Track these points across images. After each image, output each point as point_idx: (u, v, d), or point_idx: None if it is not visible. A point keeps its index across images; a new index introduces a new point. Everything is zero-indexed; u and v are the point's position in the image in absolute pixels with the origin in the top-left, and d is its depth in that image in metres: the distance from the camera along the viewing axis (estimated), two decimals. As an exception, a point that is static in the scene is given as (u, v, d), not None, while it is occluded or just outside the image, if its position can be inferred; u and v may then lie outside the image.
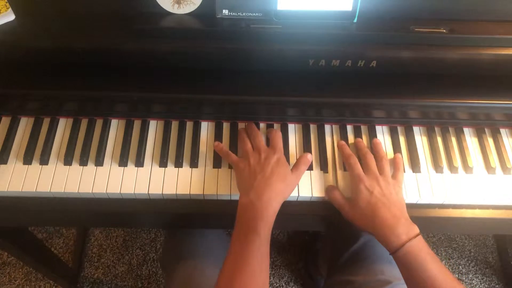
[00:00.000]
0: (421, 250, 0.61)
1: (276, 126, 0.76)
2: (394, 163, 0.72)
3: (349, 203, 0.67)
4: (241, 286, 0.58)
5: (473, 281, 1.42)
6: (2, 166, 0.71)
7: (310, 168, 0.72)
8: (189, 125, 0.76)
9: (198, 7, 0.67)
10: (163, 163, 0.72)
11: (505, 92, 0.70)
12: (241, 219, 0.64)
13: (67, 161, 0.72)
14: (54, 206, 0.70)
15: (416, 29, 0.67)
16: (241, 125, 0.76)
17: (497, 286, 1.42)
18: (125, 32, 0.67)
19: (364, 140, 0.75)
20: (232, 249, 0.62)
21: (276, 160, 0.67)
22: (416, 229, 0.63)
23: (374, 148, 0.73)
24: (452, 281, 0.60)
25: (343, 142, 0.74)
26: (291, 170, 0.68)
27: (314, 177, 0.71)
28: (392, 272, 0.80)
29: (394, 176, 0.70)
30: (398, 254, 0.62)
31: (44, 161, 0.72)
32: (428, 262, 0.60)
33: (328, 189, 0.70)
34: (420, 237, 0.62)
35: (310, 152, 0.73)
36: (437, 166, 0.73)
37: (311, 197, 0.70)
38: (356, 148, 0.74)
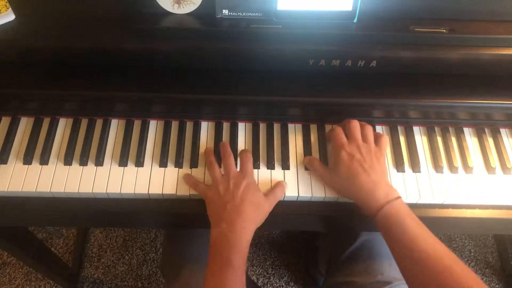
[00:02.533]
0: (401, 211, 0.61)
1: (276, 126, 0.76)
2: (376, 132, 0.72)
3: (329, 171, 0.68)
4: None
5: (473, 281, 1.42)
6: (2, 166, 0.71)
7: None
8: (189, 125, 0.76)
9: (198, 7, 0.67)
10: (163, 163, 0.72)
11: (505, 92, 0.70)
12: (214, 251, 0.62)
13: (67, 161, 0.72)
14: (54, 206, 0.70)
15: (416, 29, 0.67)
16: (241, 125, 0.76)
17: (497, 286, 1.42)
18: (125, 32, 0.67)
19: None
20: (207, 283, 0.61)
21: (245, 186, 0.65)
22: (395, 193, 0.63)
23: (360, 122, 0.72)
24: (432, 241, 0.59)
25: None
26: (266, 194, 0.67)
27: (314, 177, 0.71)
28: (391, 272, 0.80)
29: (377, 142, 0.69)
30: (377, 217, 0.61)
31: (44, 161, 0.72)
32: (407, 223, 0.60)
33: (308, 160, 0.70)
34: (400, 200, 0.62)
35: (310, 153, 0.73)
36: (437, 166, 0.73)
37: (311, 197, 0.70)
38: (343, 123, 0.73)
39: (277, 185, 0.69)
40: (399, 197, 0.63)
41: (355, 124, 0.70)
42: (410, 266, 0.59)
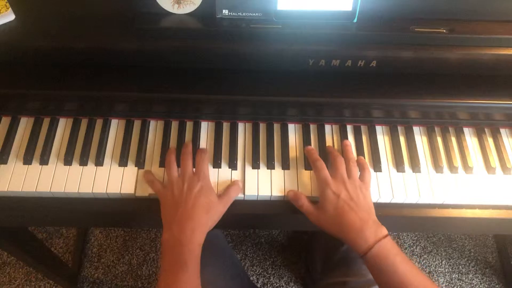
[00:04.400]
0: (390, 251, 0.61)
1: (276, 126, 0.76)
2: (359, 164, 0.70)
3: (316, 208, 0.66)
4: None
5: (473, 281, 1.42)
6: (2, 166, 0.71)
7: (310, 168, 0.72)
8: (189, 125, 0.76)
9: (198, 7, 0.67)
10: (163, 163, 0.72)
11: (505, 92, 0.70)
12: (167, 255, 0.61)
13: (67, 161, 0.72)
14: (54, 206, 0.70)
15: (416, 29, 0.67)
16: (241, 125, 0.76)
17: (497, 286, 1.42)
18: (125, 32, 0.67)
19: (364, 140, 0.75)
20: (159, 284, 0.60)
21: (199, 188, 0.65)
22: (384, 231, 0.62)
23: (343, 150, 0.72)
24: (423, 280, 0.59)
25: (311, 147, 0.73)
26: (219, 196, 0.67)
27: (314, 177, 0.71)
28: None
29: (361, 177, 0.69)
30: (367, 257, 0.61)
31: (44, 161, 0.72)
32: (397, 263, 0.60)
33: (294, 195, 0.68)
34: (388, 238, 0.62)
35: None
36: (437, 166, 0.73)
37: (311, 197, 0.70)
38: (326, 152, 0.73)
39: (232, 185, 0.69)
40: (387, 235, 0.62)
41: (341, 160, 0.69)
42: None
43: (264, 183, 0.70)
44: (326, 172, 0.67)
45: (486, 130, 0.77)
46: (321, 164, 0.68)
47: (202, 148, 0.72)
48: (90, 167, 0.72)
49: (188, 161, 0.69)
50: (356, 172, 0.68)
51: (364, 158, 0.73)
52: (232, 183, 0.70)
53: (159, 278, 0.61)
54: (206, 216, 0.64)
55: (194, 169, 0.69)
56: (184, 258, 0.60)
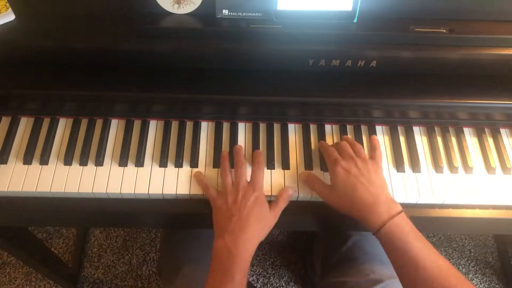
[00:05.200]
0: (404, 228, 0.60)
1: (276, 126, 0.76)
2: (371, 144, 0.72)
3: (328, 188, 0.67)
4: None
5: (473, 281, 1.42)
6: (2, 166, 0.71)
7: (310, 168, 0.72)
8: (189, 125, 0.76)
9: (198, 7, 0.67)
10: (163, 163, 0.72)
11: (505, 92, 0.70)
12: (216, 263, 0.62)
13: (67, 161, 0.72)
14: (54, 206, 0.70)
15: (416, 29, 0.67)
16: (241, 125, 0.76)
17: (497, 286, 1.42)
18: (125, 32, 0.67)
19: (364, 140, 0.75)
20: None
21: (254, 199, 0.65)
22: (398, 207, 0.62)
23: (346, 140, 0.73)
24: (436, 258, 0.59)
25: (323, 141, 0.73)
26: (270, 206, 0.66)
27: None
28: (383, 271, 0.80)
29: (372, 156, 0.70)
30: (380, 233, 0.61)
31: (44, 161, 0.72)
32: (410, 241, 0.59)
33: (306, 176, 0.69)
34: (402, 215, 0.61)
35: (310, 153, 0.73)
36: (437, 166, 0.73)
37: (311, 197, 0.70)
38: (333, 144, 0.73)
39: (282, 195, 0.68)
40: (401, 211, 0.62)
41: (345, 144, 0.69)
42: (414, 283, 0.59)
43: (264, 184, 0.70)
44: (336, 154, 0.68)
45: (486, 130, 0.77)
46: (332, 149, 0.69)
47: (259, 155, 0.71)
48: (90, 167, 0.72)
49: (243, 171, 0.69)
50: (364, 152, 0.69)
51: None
52: (284, 191, 0.68)
53: (207, 279, 0.62)
54: (259, 227, 0.64)
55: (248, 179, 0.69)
56: (232, 270, 0.60)
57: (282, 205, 0.68)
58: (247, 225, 0.63)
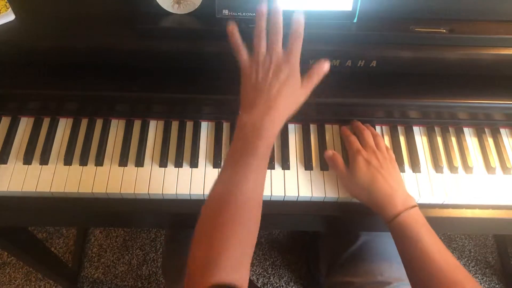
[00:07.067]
0: (417, 221, 0.61)
1: (276, 126, 0.76)
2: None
3: (348, 172, 0.68)
4: (227, 220, 0.54)
5: (473, 281, 1.42)
6: (2, 166, 0.71)
7: (310, 168, 0.72)
8: (189, 125, 0.76)
9: (198, 7, 0.67)
10: (163, 163, 0.72)
11: (505, 92, 0.70)
12: (239, 137, 0.57)
13: (67, 161, 0.72)
14: (54, 206, 0.70)
15: (416, 29, 0.67)
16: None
17: (497, 286, 1.42)
18: (125, 32, 0.67)
19: (364, 140, 0.75)
20: (226, 165, 0.57)
21: (286, 77, 0.59)
22: (413, 201, 0.64)
23: (362, 128, 0.73)
24: (445, 253, 0.60)
25: (345, 128, 0.75)
26: (302, 81, 0.60)
27: (314, 177, 0.71)
28: (391, 273, 0.80)
29: (388, 153, 0.71)
30: (393, 223, 0.62)
31: (44, 161, 0.72)
32: (422, 233, 0.60)
33: (332, 154, 0.70)
34: (417, 209, 0.63)
35: (310, 153, 0.73)
36: (437, 166, 0.73)
37: (311, 197, 0.70)
38: (353, 128, 0.74)
39: (316, 69, 0.61)
40: (416, 206, 0.63)
41: (368, 133, 0.71)
42: (421, 276, 0.59)
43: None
44: (358, 144, 0.70)
45: (486, 130, 0.77)
46: (354, 138, 0.71)
47: (299, 23, 0.59)
48: (90, 167, 0.72)
49: (279, 36, 0.60)
50: (384, 144, 0.71)
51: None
52: (318, 64, 0.60)
53: (226, 159, 0.58)
54: (288, 106, 0.60)
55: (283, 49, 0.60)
56: (256, 144, 0.56)
57: (315, 80, 0.61)
58: (276, 104, 0.58)
